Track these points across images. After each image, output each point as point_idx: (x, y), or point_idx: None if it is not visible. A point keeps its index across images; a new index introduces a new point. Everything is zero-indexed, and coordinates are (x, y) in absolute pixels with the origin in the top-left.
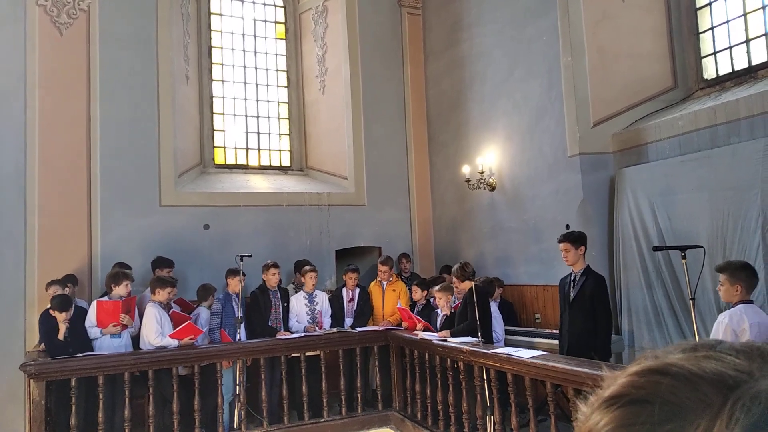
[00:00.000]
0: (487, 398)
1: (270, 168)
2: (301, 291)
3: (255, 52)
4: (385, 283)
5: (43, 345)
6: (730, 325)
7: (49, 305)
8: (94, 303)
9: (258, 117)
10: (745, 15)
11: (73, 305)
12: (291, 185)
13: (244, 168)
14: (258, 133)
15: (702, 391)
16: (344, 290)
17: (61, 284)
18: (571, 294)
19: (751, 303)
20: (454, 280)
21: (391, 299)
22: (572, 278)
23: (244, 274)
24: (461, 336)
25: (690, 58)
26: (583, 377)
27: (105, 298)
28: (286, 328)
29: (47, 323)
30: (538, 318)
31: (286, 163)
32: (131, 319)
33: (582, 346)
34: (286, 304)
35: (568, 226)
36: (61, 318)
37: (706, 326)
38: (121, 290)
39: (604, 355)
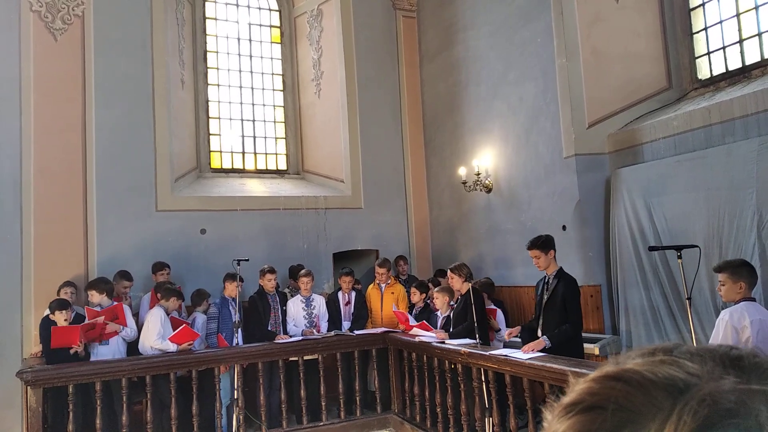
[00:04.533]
0: (485, 400)
1: (266, 172)
2: (298, 295)
3: (250, 56)
4: (383, 285)
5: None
6: (731, 322)
7: (47, 311)
8: (86, 310)
9: (254, 121)
10: (738, 15)
11: (73, 309)
12: (287, 189)
13: (241, 172)
14: (254, 137)
15: (653, 395)
16: (340, 293)
17: (72, 287)
18: (545, 296)
19: (753, 300)
20: (454, 277)
21: (389, 302)
22: (546, 281)
23: (242, 280)
24: (459, 338)
25: (684, 59)
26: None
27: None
28: (285, 332)
29: (45, 329)
30: None
31: (283, 166)
32: (119, 325)
33: (556, 347)
34: (284, 308)
35: (564, 227)
36: (61, 318)
37: (703, 326)
38: (89, 298)
39: (563, 347)
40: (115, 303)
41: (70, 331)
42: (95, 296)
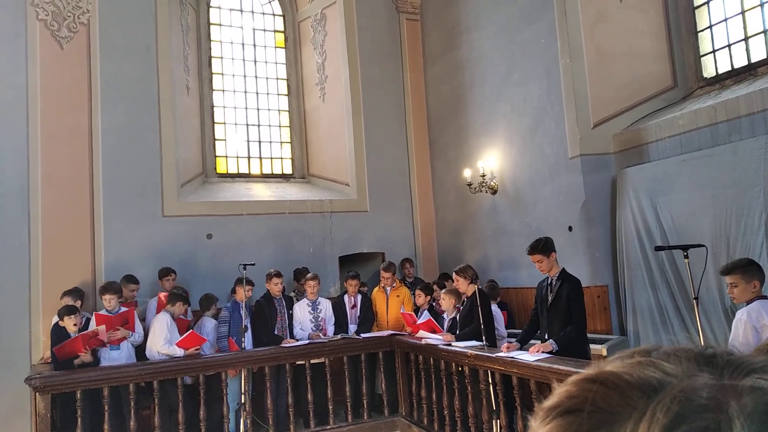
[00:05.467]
0: (492, 402)
1: (272, 176)
2: (305, 298)
3: (255, 61)
4: (388, 289)
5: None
6: (750, 321)
7: (56, 317)
8: (94, 315)
9: (259, 125)
10: (743, 12)
11: (82, 314)
12: (293, 193)
13: (246, 177)
14: (259, 142)
15: (629, 395)
16: (346, 297)
17: (73, 295)
18: (549, 298)
19: (766, 298)
20: (459, 280)
21: (395, 305)
22: (549, 282)
23: (252, 284)
24: (465, 340)
25: (689, 57)
26: None
27: (103, 312)
28: (292, 336)
29: (56, 335)
30: None
31: (288, 170)
32: (128, 330)
33: (562, 349)
34: (291, 312)
35: (571, 228)
36: (70, 323)
37: (711, 325)
38: (104, 303)
39: (569, 349)
40: (125, 309)
41: (71, 343)
42: (114, 300)
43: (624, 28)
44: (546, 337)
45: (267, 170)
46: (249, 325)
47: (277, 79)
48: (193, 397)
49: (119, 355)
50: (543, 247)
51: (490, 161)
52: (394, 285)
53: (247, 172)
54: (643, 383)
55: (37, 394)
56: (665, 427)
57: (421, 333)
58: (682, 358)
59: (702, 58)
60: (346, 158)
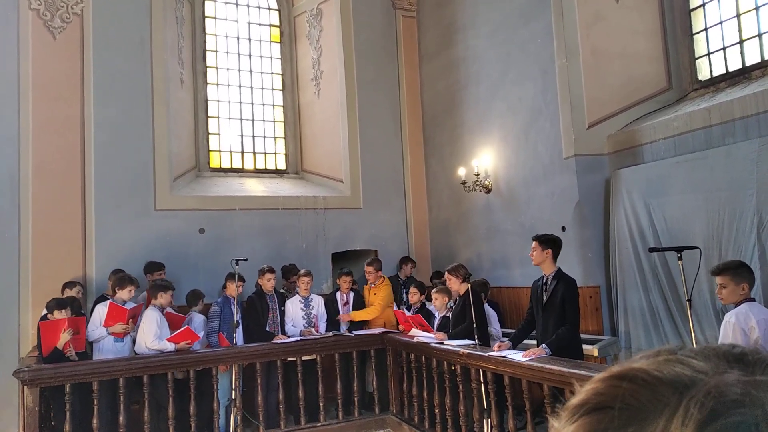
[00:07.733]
0: (484, 401)
1: (265, 171)
2: (297, 295)
3: (250, 56)
4: (371, 285)
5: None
6: (738, 324)
7: (44, 311)
8: (107, 303)
9: (253, 120)
10: (738, 16)
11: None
12: (286, 188)
13: (240, 171)
14: (253, 137)
15: (659, 392)
16: (339, 294)
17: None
18: (544, 297)
19: (753, 300)
20: (452, 279)
21: (371, 303)
22: (544, 281)
23: (243, 280)
24: (458, 339)
25: (684, 59)
26: (580, 379)
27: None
28: (284, 332)
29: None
30: None
31: (282, 166)
32: (133, 325)
33: (555, 351)
34: (283, 308)
35: (564, 228)
36: (60, 318)
37: (702, 327)
38: (123, 294)
39: (563, 349)
40: (133, 304)
41: (55, 324)
42: (133, 292)
43: (620, 28)
44: (541, 337)
45: (260, 165)
46: (240, 321)
47: (272, 73)
48: (183, 392)
49: (123, 348)
50: (543, 239)
51: (485, 160)
52: (376, 283)
53: (240, 166)
54: (674, 380)
55: (26, 387)
56: (700, 422)
57: (414, 331)
58: (710, 355)
59: (697, 61)
60: (340, 154)
